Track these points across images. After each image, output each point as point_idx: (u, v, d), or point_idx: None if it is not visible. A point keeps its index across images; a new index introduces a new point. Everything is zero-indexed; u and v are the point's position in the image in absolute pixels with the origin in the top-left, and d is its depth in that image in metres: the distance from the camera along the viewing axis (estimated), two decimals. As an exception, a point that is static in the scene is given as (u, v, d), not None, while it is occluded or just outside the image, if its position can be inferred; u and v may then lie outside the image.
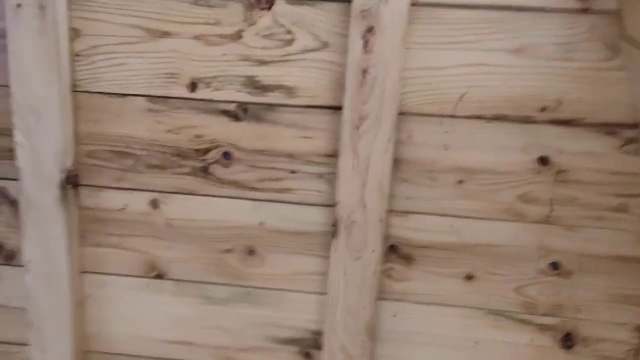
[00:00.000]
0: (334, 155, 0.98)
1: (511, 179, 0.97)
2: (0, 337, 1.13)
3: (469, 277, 1.02)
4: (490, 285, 1.02)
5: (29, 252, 1.04)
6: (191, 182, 1.02)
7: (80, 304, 1.08)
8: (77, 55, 0.97)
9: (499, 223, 0.99)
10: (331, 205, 1.01)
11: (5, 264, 1.09)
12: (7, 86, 0.97)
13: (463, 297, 1.03)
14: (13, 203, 1.05)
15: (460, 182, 0.98)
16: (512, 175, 0.97)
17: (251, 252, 1.05)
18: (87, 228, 1.05)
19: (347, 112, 0.94)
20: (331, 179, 1.00)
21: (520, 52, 0.91)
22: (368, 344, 1.04)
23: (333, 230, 1.00)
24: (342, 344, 1.04)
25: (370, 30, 0.90)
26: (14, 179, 1.02)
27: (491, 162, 0.97)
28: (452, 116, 0.95)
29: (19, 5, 0.92)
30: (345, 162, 0.96)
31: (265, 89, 0.97)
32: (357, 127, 0.95)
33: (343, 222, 0.99)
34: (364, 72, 0.92)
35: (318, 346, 1.08)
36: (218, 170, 1.01)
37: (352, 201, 0.98)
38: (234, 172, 1.01)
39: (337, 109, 0.96)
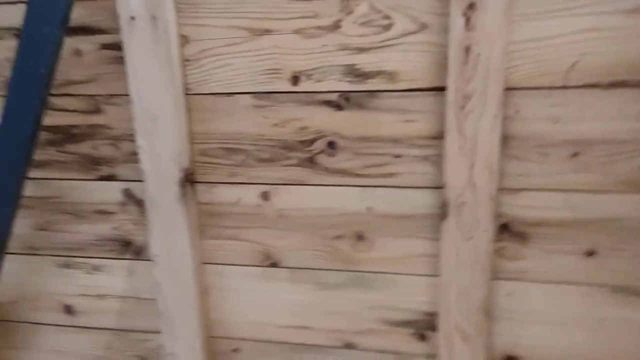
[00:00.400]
0: (438, 137, 0.98)
1: (631, 149, 0.92)
2: (134, 327, 1.23)
3: (590, 253, 0.98)
4: (614, 261, 0.97)
5: (156, 247, 1.12)
6: (299, 173, 1.06)
7: (203, 293, 1.16)
8: (187, 60, 1.03)
9: (619, 196, 0.94)
10: (438, 187, 1.00)
11: (135, 259, 1.18)
12: (127, 95, 1.05)
13: (584, 274, 0.99)
14: (139, 203, 1.14)
15: (575, 155, 0.94)
16: (632, 145, 0.91)
17: (361, 237, 1.07)
18: (205, 222, 1.12)
19: (450, 93, 0.93)
20: (437, 160, 1.00)
21: (637, 12, 0.85)
22: (484, 324, 1.03)
23: (442, 212, 0.99)
24: (457, 324, 1.04)
25: (471, 6, 0.88)
26: (139, 181, 1.11)
27: (608, 132, 0.92)
28: (563, 87, 0.91)
29: (132, 18, 0.99)
30: (451, 143, 0.95)
31: (366, 76, 0.98)
32: (462, 107, 0.93)
33: (452, 203, 0.98)
34: (467, 50, 0.90)
35: (432, 327, 1.08)
36: (324, 160, 1.04)
37: (461, 182, 0.97)
38: (340, 160, 1.04)
39: (440, 90, 0.95)
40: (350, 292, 1.10)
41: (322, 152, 1.04)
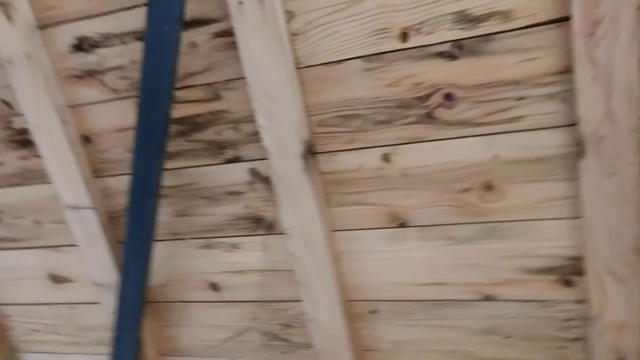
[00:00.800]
0: (565, 71, 0.92)
1: None
2: (275, 297, 1.30)
3: None
4: None
5: (286, 220, 1.17)
6: (418, 130, 1.05)
7: (337, 260, 1.19)
8: (295, 34, 1.05)
9: None
10: (569, 124, 0.95)
11: (268, 234, 1.25)
12: (243, 78, 1.09)
13: None
14: (265, 180, 1.19)
15: None
16: None
17: (489, 187, 1.04)
18: (330, 191, 1.15)
19: (577, 21, 0.87)
20: (565, 97, 0.94)
21: None
22: (638, 264, 0.97)
23: (578, 149, 0.94)
24: (607, 266, 0.98)
25: None
26: (263, 159, 1.16)
27: None
28: None
29: (240, 3, 1.02)
30: (582, 75, 0.89)
31: (478, 20, 0.94)
32: (592, 35, 0.87)
33: (589, 139, 0.92)
34: (591, -29, 0.84)
35: (578, 272, 1.04)
36: (443, 113, 1.02)
37: (597, 115, 0.91)
38: (459, 111, 1.01)
39: (563, 20, 0.89)
40: (483, 244, 1.08)
41: (439, 105, 1.02)
